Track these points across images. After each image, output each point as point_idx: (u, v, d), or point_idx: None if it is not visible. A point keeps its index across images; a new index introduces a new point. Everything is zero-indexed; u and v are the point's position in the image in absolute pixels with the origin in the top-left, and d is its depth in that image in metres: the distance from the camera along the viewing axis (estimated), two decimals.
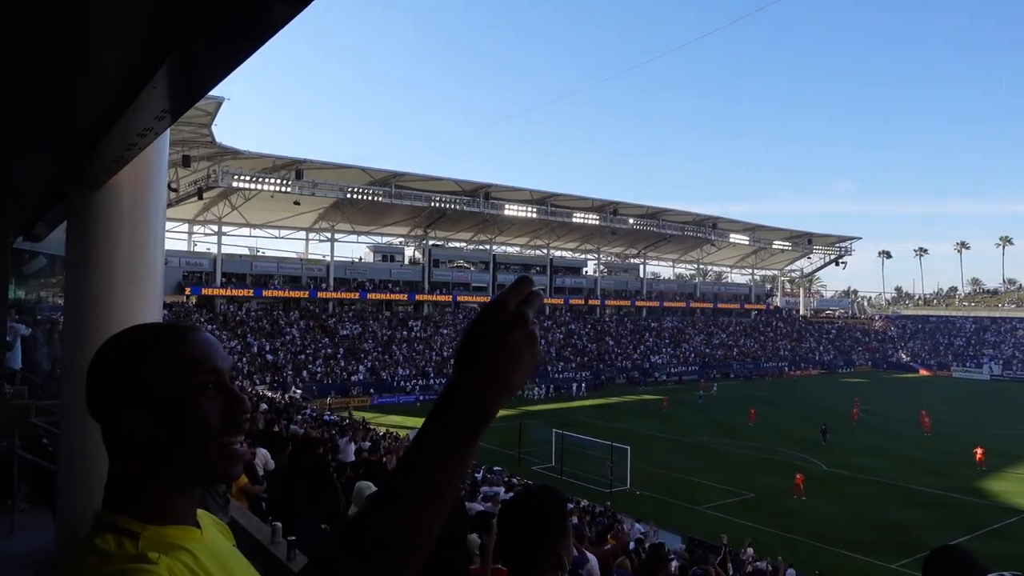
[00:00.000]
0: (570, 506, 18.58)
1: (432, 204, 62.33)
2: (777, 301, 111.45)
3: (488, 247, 77.06)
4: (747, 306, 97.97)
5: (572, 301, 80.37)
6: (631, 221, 73.05)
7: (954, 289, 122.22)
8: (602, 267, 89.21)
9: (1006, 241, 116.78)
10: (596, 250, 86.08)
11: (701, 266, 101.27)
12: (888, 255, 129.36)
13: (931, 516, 25.34)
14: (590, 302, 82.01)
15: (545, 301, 78.50)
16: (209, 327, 48.65)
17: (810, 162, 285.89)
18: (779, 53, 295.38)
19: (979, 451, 34.32)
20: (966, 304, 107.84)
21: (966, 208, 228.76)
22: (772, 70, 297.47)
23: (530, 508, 2.07)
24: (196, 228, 61.56)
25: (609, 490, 27.15)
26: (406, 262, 72.45)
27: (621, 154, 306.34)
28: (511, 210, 67.38)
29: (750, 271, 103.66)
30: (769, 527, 23.72)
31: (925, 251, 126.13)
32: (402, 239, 73.85)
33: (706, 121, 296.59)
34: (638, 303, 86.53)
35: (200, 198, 50.06)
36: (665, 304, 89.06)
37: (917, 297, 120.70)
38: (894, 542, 22.52)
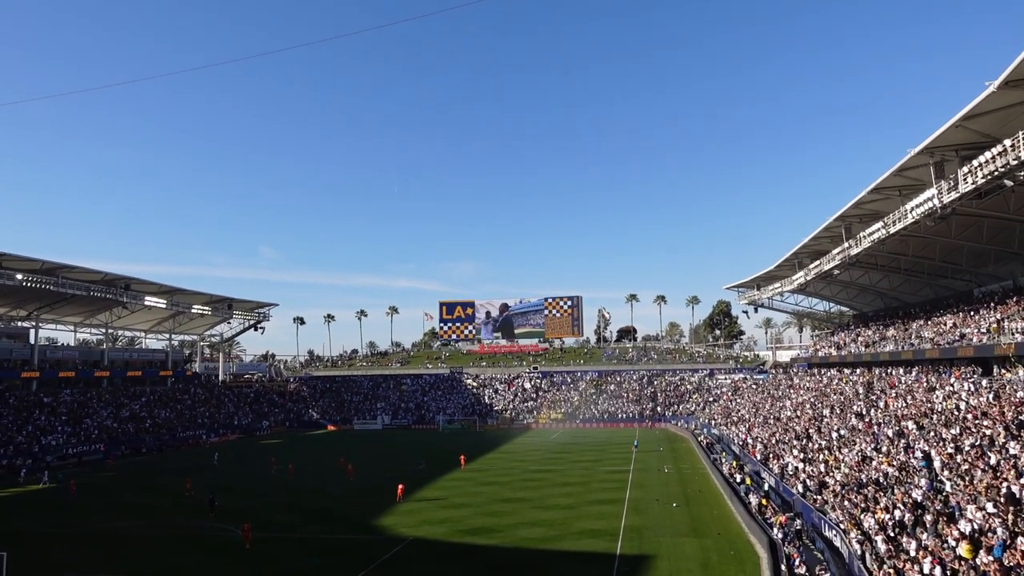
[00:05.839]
0: None
1: None
2: (196, 367, 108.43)
3: None
4: (163, 373, 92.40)
5: None
6: (19, 277, 61.19)
7: (355, 351, 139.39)
8: None
9: (394, 311, 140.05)
10: None
11: (111, 330, 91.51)
12: (302, 321, 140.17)
13: (336, 562, 27.74)
14: None
15: None
16: None
17: (241, 227, 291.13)
18: (205, 111, 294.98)
19: (400, 488, 41.25)
20: (364, 364, 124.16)
21: (365, 281, 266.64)
22: (210, 125, 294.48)
23: None
24: None
25: None
26: None
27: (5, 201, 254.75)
28: None
29: (168, 336, 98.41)
30: None
31: (332, 318, 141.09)
32: None
33: (124, 171, 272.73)
34: (25, 375, 72.70)
35: None
36: (63, 374, 77.14)
37: (326, 359, 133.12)
38: None
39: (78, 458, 61.85)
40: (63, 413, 69.89)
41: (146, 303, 77.98)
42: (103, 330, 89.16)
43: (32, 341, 77.90)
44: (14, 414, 65.42)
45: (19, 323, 77.80)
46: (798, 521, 29.05)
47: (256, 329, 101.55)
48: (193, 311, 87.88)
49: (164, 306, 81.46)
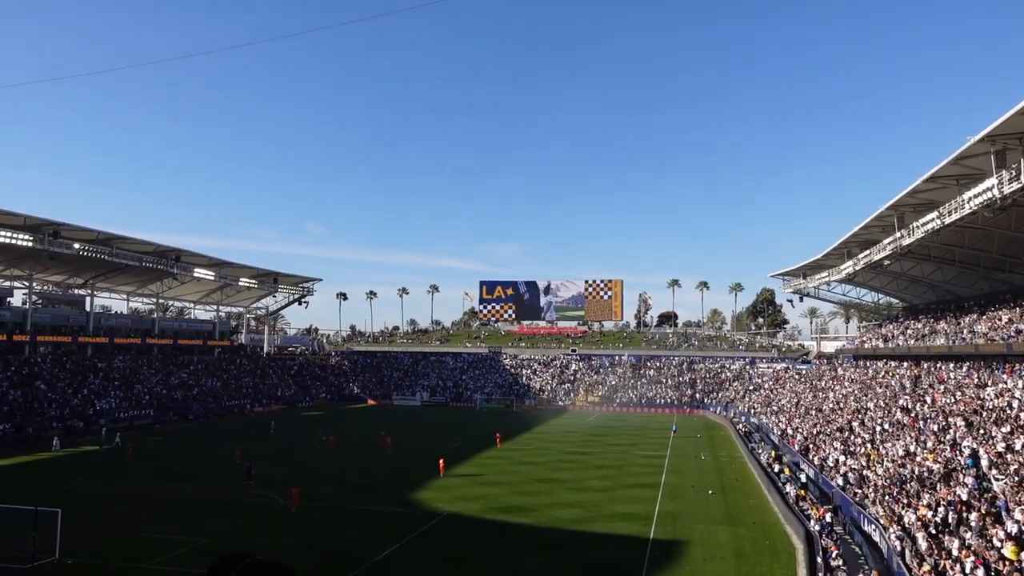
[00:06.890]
0: None
1: None
2: (242, 338, 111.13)
3: None
4: (210, 343, 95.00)
5: None
6: (77, 246, 63.46)
7: (396, 328, 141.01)
8: (35, 298, 75.27)
9: (434, 289, 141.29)
10: (27, 277, 72.17)
11: (162, 300, 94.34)
12: (345, 296, 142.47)
13: (373, 533, 28.38)
14: (15, 338, 68.18)
15: None
16: None
17: (288, 202, 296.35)
18: (262, 85, 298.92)
19: (442, 462, 41.95)
20: (404, 341, 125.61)
21: (406, 260, 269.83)
22: (264, 99, 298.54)
23: None
24: None
25: (30, 564, 22.69)
26: None
27: (68, 171, 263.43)
28: None
29: (215, 307, 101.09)
30: None
31: (375, 294, 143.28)
32: None
33: (175, 144, 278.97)
34: (82, 340, 75.53)
35: None
36: (116, 341, 79.93)
37: (368, 335, 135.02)
38: (339, 563, 24.45)
39: (129, 422, 64.20)
40: (116, 378, 72.50)
41: (195, 275, 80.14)
42: (154, 300, 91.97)
43: (88, 308, 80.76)
44: (70, 377, 68.13)
45: (76, 291, 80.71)
46: (828, 515, 28.53)
47: (300, 303, 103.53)
48: (240, 284, 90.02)
49: (212, 278, 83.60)
